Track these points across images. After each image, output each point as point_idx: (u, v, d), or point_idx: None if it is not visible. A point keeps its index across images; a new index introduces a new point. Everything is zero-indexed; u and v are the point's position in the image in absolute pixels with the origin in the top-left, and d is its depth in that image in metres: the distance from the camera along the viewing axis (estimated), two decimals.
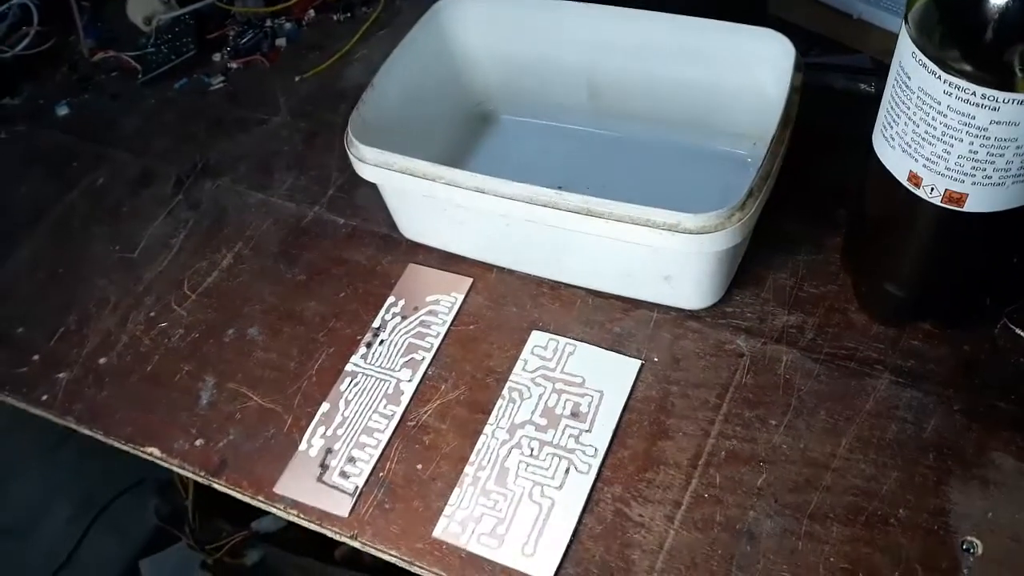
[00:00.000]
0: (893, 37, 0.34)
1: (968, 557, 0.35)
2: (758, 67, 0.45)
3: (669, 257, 0.40)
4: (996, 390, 0.39)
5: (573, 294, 0.46)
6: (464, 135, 0.55)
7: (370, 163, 0.43)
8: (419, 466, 0.41)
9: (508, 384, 0.43)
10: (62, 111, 0.65)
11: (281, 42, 0.66)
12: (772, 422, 0.40)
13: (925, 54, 0.31)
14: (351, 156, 0.44)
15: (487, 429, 0.42)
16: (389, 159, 0.43)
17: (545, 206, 0.40)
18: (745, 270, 0.45)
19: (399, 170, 0.43)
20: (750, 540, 0.37)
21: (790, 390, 0.41)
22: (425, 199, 0.44)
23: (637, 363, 0.42)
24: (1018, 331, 0.41)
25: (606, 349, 0.43)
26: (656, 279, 0.42)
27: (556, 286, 0.46)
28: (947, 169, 0.33)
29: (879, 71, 0.52)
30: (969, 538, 0.36)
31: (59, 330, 0.49)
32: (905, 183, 0.35)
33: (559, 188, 0.40)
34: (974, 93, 0.30)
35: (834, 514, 0.37)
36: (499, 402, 0.42)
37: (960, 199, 0.33)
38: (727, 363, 0.42)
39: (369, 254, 0.50)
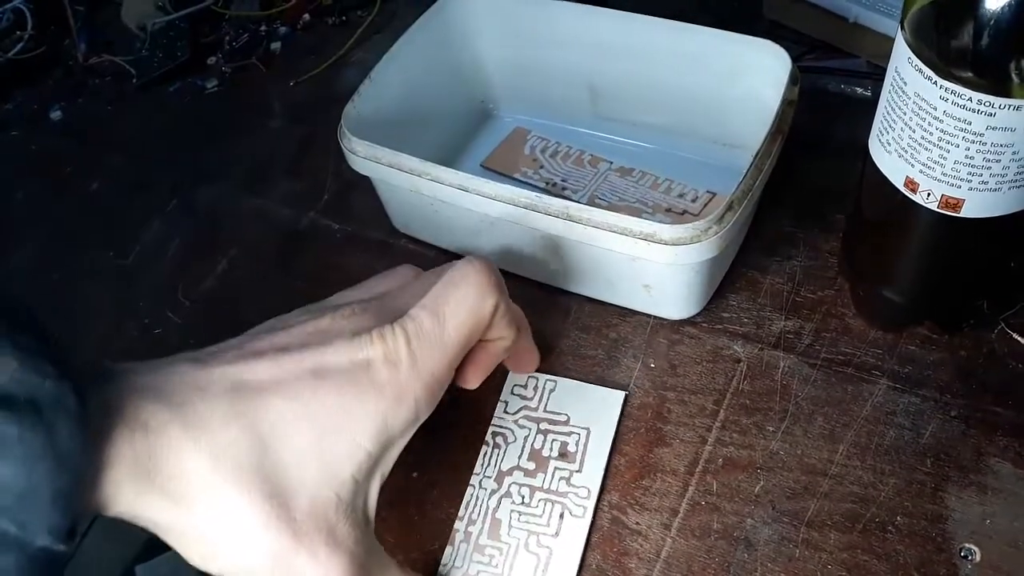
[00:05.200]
0: (889, 41, 0.33)
1: (966, 564, 0.35)
2: (755, 78, 0.45)
3: (647, 266, 0.40)
4: (994, 395, 0.39)
5: (563, 302, 0.45)
6: (465, 132, 0.54)
7: (360, 156, 0.43)
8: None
9: (491, 429, 0.41)
10: (56, 115, 0.65)
11: (276, 46, 0.66)
12: (769, 428, 0.40)
13: (921, 59, 0.31)
14: (344, 149, 0.44)
15: (473, 480, 0.40)
16: (378, 153, 0.43)
17: (525, 208, 0.40)
18: (741, 275, 0.45)
19: (387, 164, 0.43)
20: (747, 548, 0.36)
21: (787, 396, 0.40)
22: (412, 194, 0.44)
23: (621, 395, 0.41)
24: (1016, 336, 0.41)
25: (592, 383, 0.42)
26: (636, 287, 0.42)
27: (548, 293, 0.46)
28: (943, 174, 0.33)
29: (875, 75, 0.52)
30: (967, 545, 0.35)
31: (52, 338, 0.49)
32: (901, 188, 0.35)
33: (557, 188, 0.40)
34: (970, 99, 0.30)
35: (832, 521, 0.37)
36: (483, 448, 0.41)
37: (957, 204, 0.33)
38: (724, 369, 0.42)
39: (364, 260, 0.49)
